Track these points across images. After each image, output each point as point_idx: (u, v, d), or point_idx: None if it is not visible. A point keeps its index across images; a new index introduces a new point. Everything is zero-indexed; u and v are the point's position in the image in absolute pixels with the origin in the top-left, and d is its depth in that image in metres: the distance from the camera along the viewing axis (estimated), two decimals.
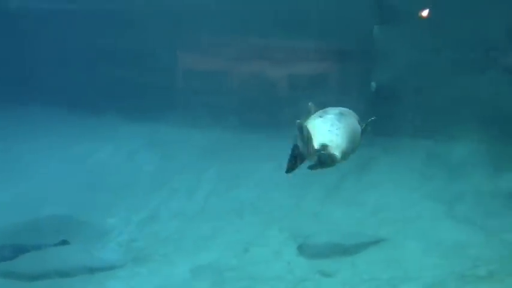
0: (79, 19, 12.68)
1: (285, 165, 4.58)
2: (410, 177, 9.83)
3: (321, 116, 4.80)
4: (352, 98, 10.54)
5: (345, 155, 4.69)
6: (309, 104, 5.04)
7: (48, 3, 12.67)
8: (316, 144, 4.59)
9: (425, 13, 10.17)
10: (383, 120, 9.55)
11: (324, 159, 4.62)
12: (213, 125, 11.56)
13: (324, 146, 4.61)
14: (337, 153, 4.64)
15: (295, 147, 4.66)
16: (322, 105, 4.87)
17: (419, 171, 9.97)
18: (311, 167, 4.64)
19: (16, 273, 7.57)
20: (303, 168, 10.04)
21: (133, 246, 8.40)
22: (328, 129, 4.73)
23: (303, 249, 8.10)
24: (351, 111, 4.97)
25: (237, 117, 11.60)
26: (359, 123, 4.84)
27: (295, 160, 4.66)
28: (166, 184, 10.01)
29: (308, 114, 4.93)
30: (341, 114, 4.82)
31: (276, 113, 11.39)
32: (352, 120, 4.91)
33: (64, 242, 8.22)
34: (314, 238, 8.32)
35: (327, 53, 11.38)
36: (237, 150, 11.04)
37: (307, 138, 4.55)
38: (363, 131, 4.88)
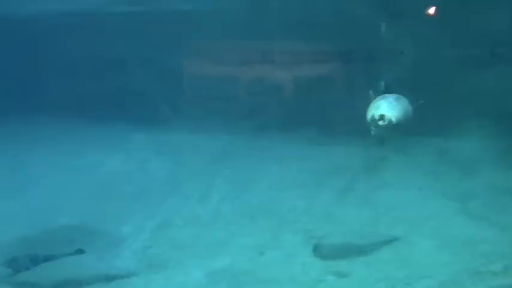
0: (87, 28, 12.74)
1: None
2: (422, 175, 9.83)
3: (382, 98, 7.04)
4: (362, 98, 10.57)
5: (399, 126, 6.86)
6: (370, 92, 7.32)
7: (55, 12, 12.72)
8: (377, 116, 6.77)
9: (431, 10, 10.17)
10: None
11: (384, 126, 6.73)
12: (223, 130, 11.60)
13: (382, 116, 6.80)
14: (393, 120, 6.80)
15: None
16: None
17: (431, 169, 9.97)
18: (375, 137, 7.07)
19: (33, 283, 7.61)
20: (313, 170, 10.07)
21: (147, 253, 8.42)
22: (387, 105, 6.95)
23: (317, 251, 8.10)
24: (403, 97, 7.14)
25: (247, 122, 11.62)
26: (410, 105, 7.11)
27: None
28: (179, 191, 10.05)
29: (370, 98, 7.15)
30: (397, 97, 7.13)
31: (285, 116, 11.41)
32: (405, 101, 7.14)
33: (79, 252, 8.25)
34: (328, 239, 8.33)
35: (334, 54, 11.39)
36: (247, 155, 11.09)
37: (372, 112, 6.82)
38: (413, 110, 7.17)
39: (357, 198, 9.47)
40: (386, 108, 6.95)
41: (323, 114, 11.15)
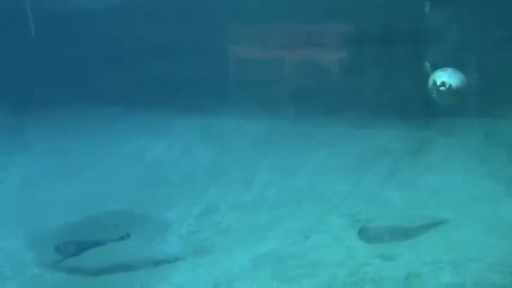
0: (129, 15, 12.81)
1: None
2: (469, 157, 9.70)
3: (442, 70, 8.31)
4: (406, 80, 10.47)
5: (458, 92, 8.21)
6: (426, 64, 8.48)
7: (97, 2, 12.82)
8: (439, 82, 8.18)
9: None
10: (435, 102, 9.55)
11: (445, 92, 8.08)
12: (266, 115, 11.58)
13: (445, 82, 8.17)
14: (453, 86, 8.14)
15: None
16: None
17: (478, 151, 9.82)
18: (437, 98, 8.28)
19: (81, 268, 7.73)
20: (357, 154, 10.01)
21: (193, 238, 8.48)
22: (448, 74, 8.23)
23: (362, 234, 8.06)
24: (459, 71, 8.28)
25: (290, 107, 11.58)
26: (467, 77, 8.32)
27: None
28: (223, 176, 10.08)
29: (427, 70, 8.38)
30: (454, 69, 8.28)
31: (329, 100, 11.35)
32: (461, 73, 8.24)
33: (126, 237, 8.34)
34: (373, 222, 8.29)
35: (375, 35, 11.26)
36: (291, 139, 11.06)
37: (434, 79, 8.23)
38: (469, 82, 8.35)
39: (401, 181, 9.38)
40: (447, 76, 8.31)
41: (366, 97, 11.07)
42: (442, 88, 8.26)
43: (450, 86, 8.30)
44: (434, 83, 8.34)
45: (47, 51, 13.57)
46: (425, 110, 10.18)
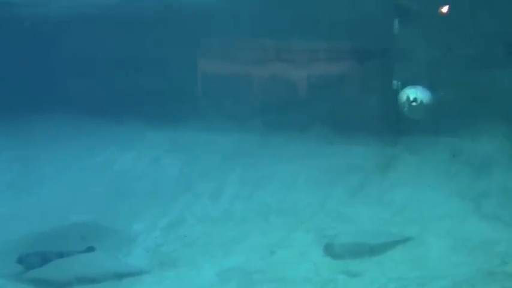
0: (98, 26, 12.74)
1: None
2: (435, 175, 9.75)
3: (412, 87, 9.13)
4: (375, 97, 10.53)
5: (428, 107, 9.10)
6: (394, 82, 9.33)
7: (66, 11, 12.73)
8: (411, 98, 9.01)
9: (445, 9, 10.11)
10: (404, 118, 9.61)
11: (416, 107, 8.94)
12: (234, 128, 11.56)
13: (416, 98, 9.02)
14: (424, 102, 9.03)
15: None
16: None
17: (444, 169, 9.88)
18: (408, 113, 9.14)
19: (44, 280, 7.62)
20: (326, 169, 9.99)
21: (159, 251, 8.43)
22: (418, 91, 9.10)
23: (329, 250, 8.07)
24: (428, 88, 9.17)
25: (258, 120, 11.57)
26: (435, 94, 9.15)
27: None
28: (190, 188, 10.05)
29: (397, 87, 9.21)
30: (423, 87, 9.14)
31: (296, 114, 11.36)
32: (430, 91, 9.13)
33: (90, 249, 8.26)
34: (340, 238, 8.28)
35: (346, 52, 11.32)
36: (260, 153, 11.04)
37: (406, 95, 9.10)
38: (438, 98, 9.24)
39: (369, 197, 9.41)
40: (418, 93, 9.17)
41: (336, 112, 11.09)
42: (413, 104, 9.12)
43: (421, 101, 9.16)
44: (407, 98, 9.14)
45: (17, 60, 13.45)
46: (393, 126, 10.24)
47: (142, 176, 10.87)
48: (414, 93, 9.16)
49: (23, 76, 13.55)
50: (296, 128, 11.08)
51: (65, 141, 12.61)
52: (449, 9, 10.17)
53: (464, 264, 7.48)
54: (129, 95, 12.87)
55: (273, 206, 9.41)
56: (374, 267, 7.56)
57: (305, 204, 9.37)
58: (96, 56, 13.12)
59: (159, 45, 12.43)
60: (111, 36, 12.78)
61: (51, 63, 13.70)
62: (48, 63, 13.72)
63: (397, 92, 9.05)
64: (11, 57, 13.42)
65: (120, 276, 7.69)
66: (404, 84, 9.47)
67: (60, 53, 13.49)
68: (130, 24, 12.42)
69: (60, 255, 8.06)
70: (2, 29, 12.99)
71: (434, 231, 8.35)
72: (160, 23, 12.13)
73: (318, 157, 10.68)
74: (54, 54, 13.60)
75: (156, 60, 12.63)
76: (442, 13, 10.25)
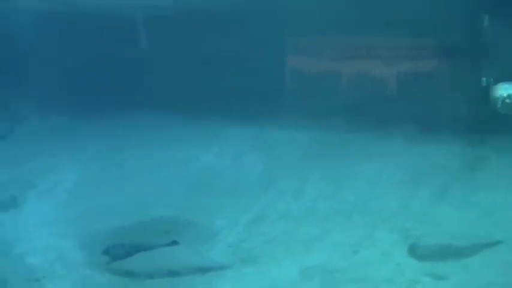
0: (184, 24, 12.89)
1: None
2: None
3: (506, 83, 8.91)
4: (462, 95, 10.29)
5: None
6: (484, 78, 9.33)
7: (154, 10, 12.94)
8: (505, 94, 8.81)
9: None
10: (493, 117, 9.35)
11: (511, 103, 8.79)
12: (318, 125, 11.51)
13: (510, 95, 8.81)
14: None
15: None
16: None
17: None
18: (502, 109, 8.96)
19: (129, 271, 7.75)
20: (411, 168, 9.85)
21: (241, 247, 8.43)
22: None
23: (413, 251, 7.89)
24: None
25: (342, 118, 11.50)
26: None
27: None
28: (273, 186, 10.03)
29: (488, 84, 9.10)
30: None
31: (381, 112, 11.23)
32: None
33: (174, 243, 8.36)
34: (425, 239, 8.09)
35: (432, 49, 11.13)
36: (343, 151, 10.96)
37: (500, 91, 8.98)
38: None
39: (455, 198, 9.19)
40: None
41: (422, 110, 10.91)
42: (507, 101, 8.91)
43: None
44: (502, 95, 8.95)
45: (104, 57, 13.76)
46: (481, 125, 10.00)
47: (224, 172, 10.95)
48: (509, 90, 8.93)
49: (109, 73, 13.85)
50: (381, 126, 10.94)
51: (148, 138, 12.84)
52: None
53: None
54: (211, 92, 13.00)
55: (356, 205, 9.29)
56: (461, 271, 7.35)
57: (388, 204, 9.23)
58: (181, 53, 13.29)
59: (242, 42, 12.49)
60: (194, 33, 12.93)
61: (137, 60, 13.96)
62: (134, 60, 13.98)
63: (487, 89, 8.73)
64: (98, 54, 13.74)
65: (202, 270, 7.74)
66: (497, 81, 8.96)
67: (146, 50, 13.74)
68: (216, 20, 12.52)
69: (145, 247, 8.18)
70: (95, 29, 13.32)
71: None
72: (245, 19, 12.18)
73: (402, 156, 10.53)
74: (139, 52, 13.86)
75: (240, 57, 12.70)
76: None
